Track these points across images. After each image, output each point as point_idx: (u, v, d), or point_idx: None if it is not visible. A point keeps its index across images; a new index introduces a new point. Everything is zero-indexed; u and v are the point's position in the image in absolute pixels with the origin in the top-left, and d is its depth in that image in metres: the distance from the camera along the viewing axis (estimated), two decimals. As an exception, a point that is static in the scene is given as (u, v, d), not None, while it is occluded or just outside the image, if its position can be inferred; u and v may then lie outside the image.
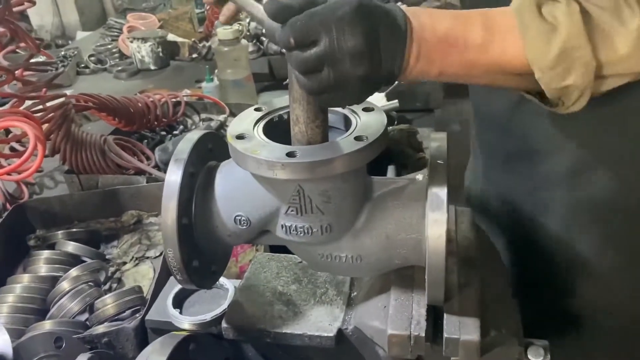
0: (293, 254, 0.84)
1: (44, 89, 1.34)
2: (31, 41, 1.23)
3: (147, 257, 1.27)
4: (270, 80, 2.15)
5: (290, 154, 0.64)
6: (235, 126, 0.72)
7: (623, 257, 0.92)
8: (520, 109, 0.90)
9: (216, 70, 1.98)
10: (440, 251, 0.63)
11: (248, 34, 2.17)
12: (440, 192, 0.64)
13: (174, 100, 1.75)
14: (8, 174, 1.08)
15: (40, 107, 1.32)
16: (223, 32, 1.81)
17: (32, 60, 1.34)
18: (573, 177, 0.89)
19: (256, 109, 0.76)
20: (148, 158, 1.53)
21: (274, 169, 0.64)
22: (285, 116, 0.76)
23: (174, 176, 0.71)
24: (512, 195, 1.02)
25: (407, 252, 0.70)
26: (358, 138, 0.66)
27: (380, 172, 0.78)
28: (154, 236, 1.33)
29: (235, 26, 1.88)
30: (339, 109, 0.74)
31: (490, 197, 1.10)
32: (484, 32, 0.66)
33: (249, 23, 2.21)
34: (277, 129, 0.73)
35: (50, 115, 1.33)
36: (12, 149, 1.53)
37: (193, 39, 2.46)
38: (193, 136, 0.76)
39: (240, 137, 0.69)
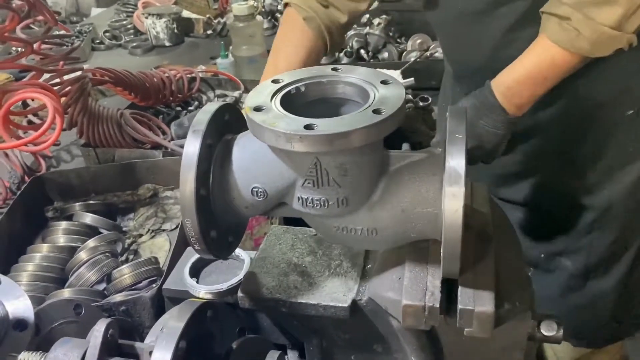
0: (308, 227, 0.85)
1: (61, 63, 1.35)
2: (49, 14, 1.24)
3: (163, 230, 1.29)
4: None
5: (308, 127, 0.64)
6: (253, 98, 0.72)
7: None
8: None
9: (231, 47, 1.98)
10: (457, 225, 0.64)
11: (263, 10, 2.16)
12: (458, 166, 0.64)
13: (189, 76, 1.75)
14: (26, 145, 1.09)
15: (58, 80, 1.33)
16: (238, 8, 1.80)
17: (49, 34, 1.35)
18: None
19: (273, 81, 0.75)
20: (164, 133, 1.54)
21: (292, 141, 0.64)
22: (303, 88, 0.76)
23: (192, 147, 0.71)
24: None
25: (423, 226, 0.71)
26: (376, 111, 0.66)
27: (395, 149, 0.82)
28: (170, 209, 1.35)
29: (251, 2, 1.87)
30: (357, 81, 0.74)
31: None
32: (544, 58, 1.01)
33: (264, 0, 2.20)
34: (294, 101, 0.73)
35: (68, 88, 1.34)
36: (30, 121, 1.54)
37: (208, 16, 2.45)
38: (211, 108, 0.76)
39: (257, 109, 0.69)
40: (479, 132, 1.01)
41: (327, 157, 0.67)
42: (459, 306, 0.68)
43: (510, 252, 0.80)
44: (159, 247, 1.24)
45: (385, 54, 1.89)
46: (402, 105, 0.68)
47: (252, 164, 0.74)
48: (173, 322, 0.65)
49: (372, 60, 1.87)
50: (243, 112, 0.71)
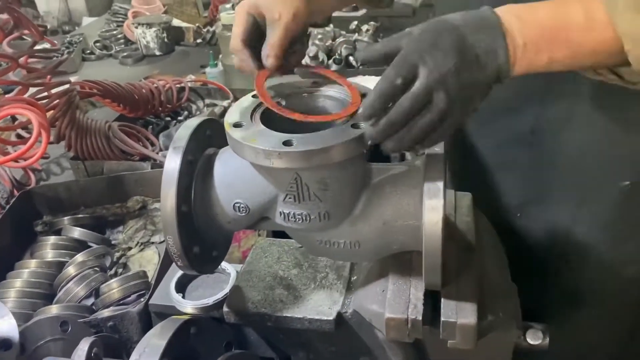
0: (294, 239, 0.85)
1: (49, 76, 1.35)
2: (35, 29, 1.24)
3: (152, 243, 1.29)
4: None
5: (286, 143, 0.64)
6: (232, 114, 0.72)
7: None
8: None
9: (220, 56, 1.98)
10: (437, 238, 0.64)
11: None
12: (436, 179, 0.64)
13: (178, 86, 1.75)
14: (14, 160, 1.09)
15: (45, 94, 1.33)
16: (226, 17, 1.81)
17: (36, 47, 1.34)
18: (534, 135, 0.93)
19: (253, 96, 0.76)
20: (152, 144, 1.54)
21: (271, 157, 0.64)
22: (283, 102, 0.76)
23: (172, 164, 0.71)
24: (483, 153, 1.05)
25: (405, 238, 0.71)
26: (355, 126, 0.66)
27: (384, 158, 0.78)
28: (159, 222, 1.34)
29: (239, 11, 1.87)
30: (336, 94, 0.74)
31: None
32: (584, 11, 0.65)
33: (253, 7, 2.20)
34: (274, 116, 0.73)
35: (55, 102, 1.34)
36: (19, 135, 1.54)
37: (197, 24, 2.45)
38: (192, 123, 0.77)
39: (237, 125, 0.69)
40: (462, 47, 0.62)
41: (307, 172, 0.67)
42: (442, 318, 0.68)
43: (494, 262, 0.81)
44: (148, 260, 1.24)
45: (375, 61, 1.89)
46: (382, 118, 0.68)
47: (233, 179, 0.74)
48: (155, 340, 0.65)
49: (361, 67, 1.87)
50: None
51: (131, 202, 1.37)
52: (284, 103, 0.76)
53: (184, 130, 0.75)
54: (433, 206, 0.64)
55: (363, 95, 0.72)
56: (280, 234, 0.91)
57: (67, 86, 1.38)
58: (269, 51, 0.74)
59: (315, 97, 0.77)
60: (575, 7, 0.65)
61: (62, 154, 1.67)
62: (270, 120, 0.71)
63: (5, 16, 1.19)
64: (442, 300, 0.70)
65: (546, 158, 0.94)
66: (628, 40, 0.62)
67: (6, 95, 1.23)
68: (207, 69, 1.94)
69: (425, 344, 0.79)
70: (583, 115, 0.86)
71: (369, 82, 1.77)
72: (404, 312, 0.69)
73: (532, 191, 0.97)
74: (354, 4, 1.72)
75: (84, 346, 0.69)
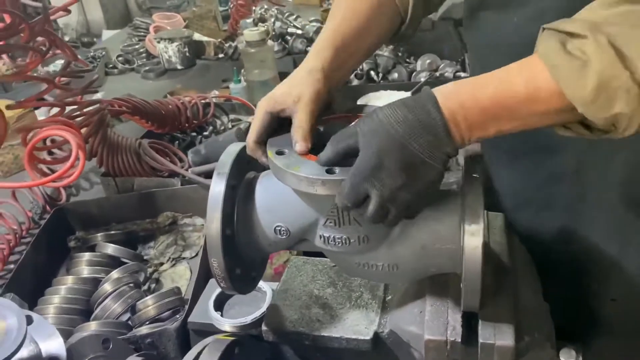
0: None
1: (80, 96, 1.38)
2: (69, 49, 1.28)
3: (184, 258, 1.32)
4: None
5: (329, 171, 0.66)
6: (274, 141, 0.74)
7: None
8: None
9: (243, 71, 2.01)
10: (477, 261, 0.66)
11: (274, 33, 2.19)
12: (476, 205, 0.66)
13: (203, 102, 1.78)
14: (53, 181, 1.13)
15: (78, 112, 1.37)
16: (250, 33, 1.84)
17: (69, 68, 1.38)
18: (579, 173, 0.91)
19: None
20: (181, 160, 1.57)
21: (314, 185, 0.66)
22: (322, 128, 0.78)
23: (217, 189, 0.74)
24: (517, 191, 1.03)
25: (443, 261, 0.73)
26: (394, 153, 0.68)
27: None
28: (189, 237, 1.37)
29: (262, 28, 1.91)
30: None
31: (495, 193, 1.10)
32: (526, 82, 0.64)
33: (274, 22, 2.23)
34: (315, 142, 0.75)
35: (87, 120, 1.37)
36: (50, 152, 1.58)
37: (219, 39, 2.49)
38: (234, 149, 0.79)
39: (280, 152, 0.72)
40: (407, 159, 0.64)
41: (349, 197, 0.69)
42: (480, 340, 0.70)
43: (528, 283, 0.82)
44: (180, 276, 1.26)
45: (395, 75, 1.91)
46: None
47: (275, 204, 0.76)
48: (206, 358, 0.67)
49: (382, 81, 1.89)
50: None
51: (161, 217, 1.40)
52: (321, 129, 0.78)
53: (226, 157, 0.77)
54: (473, 231, 0.65)
55: None
56: (311, 252, 0.94)
57: (97, 105, 1.41)
58: (296, 136, 0.73)
59: (352, 121, 0.79)
60: (518, 79, 0.64)
61: (91, 169, 1.71)
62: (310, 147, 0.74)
63: (41, 38, 1.22)
64: (480, 322, 0.71)
65: (590, 195, 0.92)
66: (579, 105, 0.61)
67: (45, 118, 1.26)
68: (231, 85, 1.97)
69: (460, 363, 0.81)
70: (630, 150, 0.86)
71: (392, 96, 1.79)
72: (443, 334, 0.71)
73: (576, 228, 0.95)
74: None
75: (131, 366, 0.71)
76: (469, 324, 0.75)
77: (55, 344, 0.83)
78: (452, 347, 0.71)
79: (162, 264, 1.30)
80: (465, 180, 0.69)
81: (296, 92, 0.76)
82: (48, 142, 1.46)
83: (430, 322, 0.73)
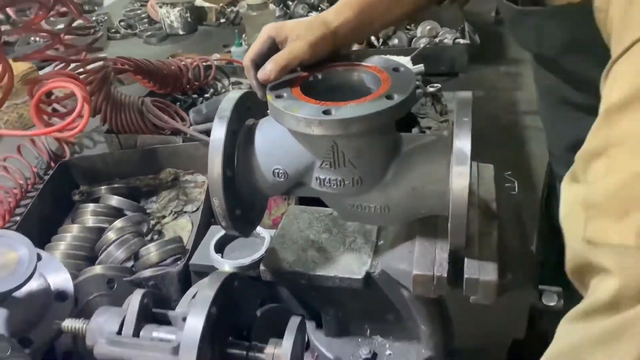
0: (323, 206, 0.91)
1: (84, 53, 1.41)
2: (74, 6, 1.30)
3: (185, 212, 1.36)
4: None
5: (326, 112, 0.70)
6: (274, 86, 0.78)
7: None
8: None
9: (244, 35, 2.03)
10: (463, 202, 0.69)
11: (275, -2, 2.21)
12: (464, 147, 0.69)
13: (205, 64, 1.81)
14: (59, 131, 1.16)
15: (82, 70, 1.39)
16: (252, -4, 1.85)
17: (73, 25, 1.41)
18: None
19: (292, 71, 0.81)
20: (183, 119, 1.60)
21: (311, 125, 0.70)
22: (320, 76, 0.82)
23: (218, 133, 0.77)
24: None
25: (432, 203, 0.76)
26: (389, 97, 0.72)
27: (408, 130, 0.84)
28: (190, 193, 1.41)
29: (264, -9, 1.92)
30: (369, 67, 0.80)
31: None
32: None
33: (276, -13, 2.24)
34: (313, 88, 0.79)
35: (91, 77, 1.40)
36: (54, 109, 1.61)
37: (221, 4, 2.49)
38: (234, 95, 0.82)
39: (279, 96, 0.75)
40: None
41: (344, 140, 0.73)
42: (465, 276, 0.74)
43: (514, 230, 0.86)
44: (182, 228, 1.31)
45: (396, 41, 1.93)
46: (413, 90, 0.73)
47: (273, 147, 0.80)
48: (205, 291, 0.72)
49: (382, 47, 1.91)
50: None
51: (164, 173, 1.44)
52: (320, 77, 0.81)
53: (227, 103, 0.80)
54: (460, 172, 0.69)
55: (395, 70, 0.78)
56: (308, 202, 0.98)
57: (102, 63, 1.44)
58: (269, 64, 0.77)
59: (350, 71, 0.82)
60: None
61: (94, 129, 1.75)
62: (309, 92, 0.77)
63: (46, -6, 1.24)
64: (466, 260, 0.75)
65: None
66: None
67: (51, 71, 1.29)
68: (233, 48, 1.99)
69: (446, 302, 0.86)
70: None
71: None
72: (430, 269, 0.75)
73: None
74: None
75: (136, 296, 0.75)
76: (456, 267, 0.79)
77: (62, 280, 0.88)
78: (438, 282, 0.75)
79: (164, 216, 1.34)
80: (457, 125, 0.72)
81: (300, 31, 0.79)
82: (53, 99, 1.49)
83: (419, 259, 0.77)
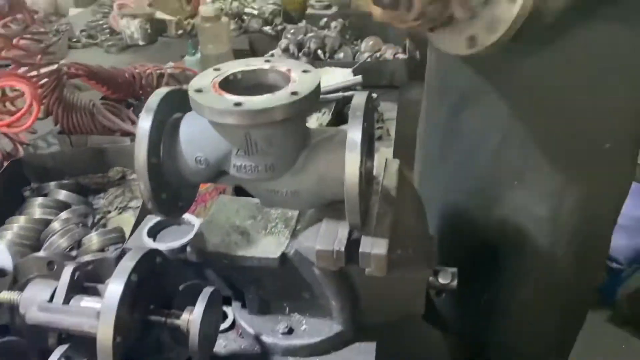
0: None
1: (39, 57, 1.49)
2: (28, 13, 1.38)
3: (130, 207, 1.44)
4: (250, 55, 2.30)
5: (237, 104, 0.80)
6: (196, 82, 0.88)
7: None
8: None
9: (199, 46, 2.13)
10: (354, 185, 0.80)
11: (230, 12, 2.31)
12: (355, 137, 0.80)
13: (158, 72, 1.90)
14: (7, 126, 1.23)
15: (35, 72, 1.47)
16: (205, 9, 1.96)
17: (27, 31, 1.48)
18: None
19: (215, 69, 0.91)
20: (133, 122, 1.69)
21: (224, 115, 0.80)
22: (239, 75, 0.92)
23: (144, 122, 0.86)
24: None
25: (336, 189, 0.86)
26: (294, 93, 0.82)
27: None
28: (136, 189, 1.49)
29: (217, 4, 2.03)
30: (283, 70, 0.90)
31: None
32: None
33: (231, 2, 2.35)
34: (232, 86, 0.89)
35: (45, 80, 1.48)
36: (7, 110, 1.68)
37: (179, 17, 2.59)
38: (162, 90, 0.92)
39: (199, 90, 0.85)
40: None
41: (255, 129, 0.83)
42: (360, 250, 0.84)
43: (412, 215, 0.97)
44: (125, 222, 1.38)
45: (341, 55, 2.06)
46: (315, 88, 0.84)
47: (195, 136, 0.89)
48: (126, 262, 0.80)
49: (328, 60, 2.03)
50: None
51: (112, 172, 1.52)
52: (239, 76, 0.92)
53: (155, 97, 0.90)
54: (351, 159, 0.80)
55: (305, 71, 0.89)
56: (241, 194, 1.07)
57: (55, 66, 1.52)
58: None
59: (266, 71, 0.93)
60: None
61: (48, 132, 1.81)
62: (229, 89, 0.87)
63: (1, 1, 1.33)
64: (362, 237, 0.86)
65: None
66: None
67: (1, 71, 1.37)
68: (186, 57, 2.09)
69: (354, 279, 0.96)
70: None
71: (336, 73, 1.93)
72: (331, 245, 0.86)
73: None
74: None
75: (68, 269, 0.84)
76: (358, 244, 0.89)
77: (2, 257, 0.95)
78: (337, 256, 0.85)
79: (109, 211, 1.42)
80: (350, 118, 0.83)
81: None
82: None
83: (322, 237, 0.87)
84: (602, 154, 1.06)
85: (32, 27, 1.47)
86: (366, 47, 2.04)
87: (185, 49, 2.39)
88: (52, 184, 1.43)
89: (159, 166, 0.89)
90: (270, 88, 0.92)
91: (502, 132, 1.12)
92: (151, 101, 0.89)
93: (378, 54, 2.01)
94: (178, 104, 0.94)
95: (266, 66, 0.93)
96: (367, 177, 0.86)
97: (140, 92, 1.84)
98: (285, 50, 1.97)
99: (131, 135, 1.59)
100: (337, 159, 0.85)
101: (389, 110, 1.84)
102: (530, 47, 1.00)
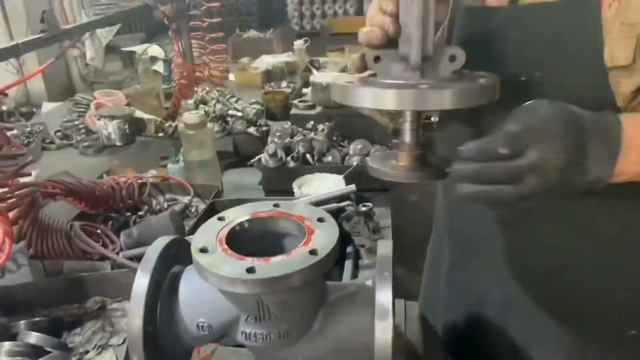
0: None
1: (11, 180, 1.38)
2: (2, 135, 1.28)
3: (110, 345, 1.29)
4: (235, 158, 2.24)
5: (250, 270, 0.70)
6: (199, 237, 0.78)
7: None
8: None
9: (182, 150, 2.05)
10: (387, 356, 0.70)
11: (214, 115, 2.26)
12: (386, 302, 0.71)
13: (139, 182, 1.80)
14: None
15: (9, 195, 1.35)
16: (189, 116, 1.89)
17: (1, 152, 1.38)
18: None
19: (219, 219, 0.82)
20: (112, 242, 1.56)
21: (235, 284, 0.69)
22: (246, 224, 0.83)
23: (140, 285, 0.76)
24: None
25: (359, 354, 0.76)
26: (312, 252, 0.73)
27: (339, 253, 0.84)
28: (117, 322, 1.35)
29: (201, 110, 1.97)
30: (296, 216, 0.81)
31: None
32: None
33: (215, 105, 2.31)
34: (238, 237, 0.79)
35: (18, 203, 1.36)
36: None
37: (160, 119, 2.53)
38: (160, 243, 0.82)
39: (203, 250, 0.75)
40: (587, 158, 0.68)
41: (269, 295, 0.73)
42: None
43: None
44: (106, 365, 1.23)
45: (330, 158, 2.00)
46: (336, 245, 0.75)
47: (197, 299, 0.78)
48: None
49: (317, 164, 1.97)
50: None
51: (90, 302, 1.38)
52: (247, 225, 0.82)
53: (152, 252, 0.80)
54: (382, 327, 0.70)
55: (320, 220, 0.80)
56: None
57: (30, 188, 1.41)
58: None
59: (276, 219, 0.84)
60: None
61: (19, 250, 1.67)
62: (235, 240, 0.77)
63: (-27, 122, 1.23)
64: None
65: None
66: None
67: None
68: (169, 165, 2.00)
69: None
70: None
71: (325, 179, 1.87)
72: None
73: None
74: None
75: None
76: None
77: None
78: None
79: (87, 352, 1.27)
80: (378, 279, 0.74)
81: None
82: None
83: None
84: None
85: (5, 149, 1.37)
86: (355, 150, 1.99)
87: (165, 150, 2.31)
88: (22, 322, 1.28)
89: (155, 334, 0.78)
90: (283, 238, 0.84)
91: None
92: (148, 258, 0.79)
93: (368, 157, 1.96)
94: (176, 254, 0.84)
95: (276, 213, 0.84)
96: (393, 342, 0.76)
97: (122, 204, 1.72)
98: (273, 155, 1.90)
99: (109, 260, 1.46)
100: (361, 322, 0.76)
101: (383, 217, 1.77)
102: None
